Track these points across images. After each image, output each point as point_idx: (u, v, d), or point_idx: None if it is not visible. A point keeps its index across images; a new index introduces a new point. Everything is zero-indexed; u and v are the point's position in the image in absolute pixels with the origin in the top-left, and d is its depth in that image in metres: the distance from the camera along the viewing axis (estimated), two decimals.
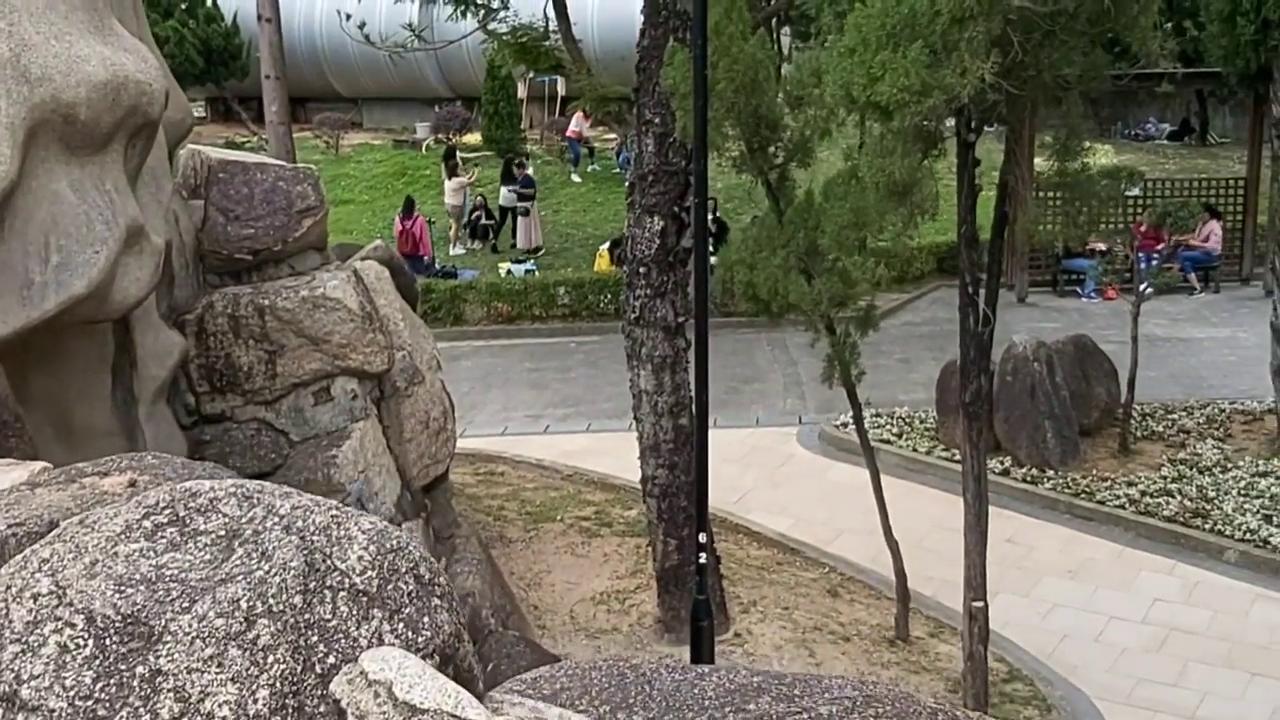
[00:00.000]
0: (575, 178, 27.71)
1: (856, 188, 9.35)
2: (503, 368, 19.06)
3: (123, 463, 4.01)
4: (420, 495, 10.92)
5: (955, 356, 10.62)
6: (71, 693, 2.91)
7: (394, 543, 3.17)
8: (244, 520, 3.23)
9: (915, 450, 15.24)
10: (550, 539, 12.95)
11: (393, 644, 3.06)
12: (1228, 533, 13.18)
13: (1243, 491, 13.95)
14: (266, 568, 3.08)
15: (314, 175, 10.53)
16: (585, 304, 20.78)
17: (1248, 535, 13.09)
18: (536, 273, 22.31)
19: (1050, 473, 14.54)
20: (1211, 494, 13.90)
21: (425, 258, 22.52)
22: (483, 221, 24.59)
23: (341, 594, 3.08)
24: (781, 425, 16.52)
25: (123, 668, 2.93)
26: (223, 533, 3.22)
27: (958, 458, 10.76)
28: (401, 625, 3.09)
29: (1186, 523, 13.43)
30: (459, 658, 3.17)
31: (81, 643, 2.97)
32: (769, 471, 15.07)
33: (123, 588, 3.06)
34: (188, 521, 3.26)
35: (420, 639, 3.09)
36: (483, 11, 13.50)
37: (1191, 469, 14.56)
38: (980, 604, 9.90)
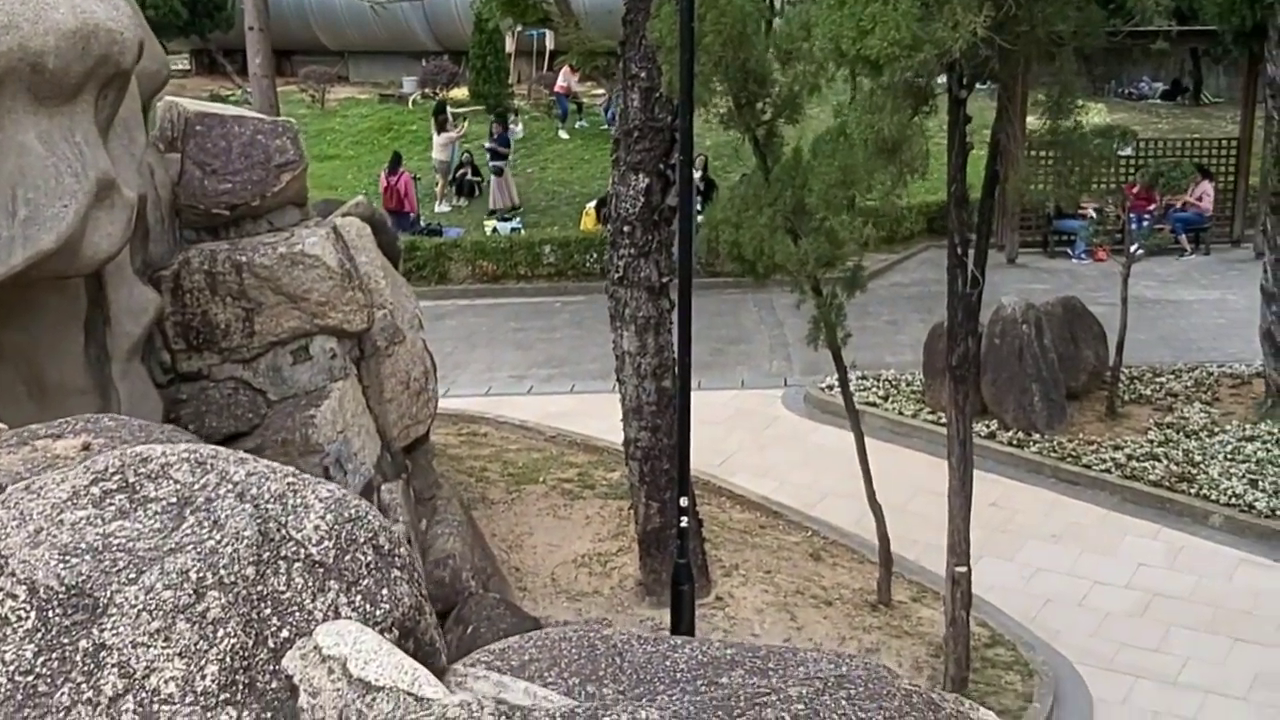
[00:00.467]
0: (563, 134, 27.43)
1: (845, 145, 9.19)
2: (487, 327, 18.91)
3: (78, 425, 3.87)
4: (401, 456, 10.80)
5: (944, 318, 10.50)
6: (11, 667, 2.78)
7: (352, 512, 3.05)
8: (196, 487, 3.10)
9: (901, 413, 15.15)
10: (532, 501, 12.86)
11: (350, 617, 2.93)
12: (1213, 497, 13.14)
13: (1229, 456, 13.89)
14: (218, 537, 2.95)
15: (293, 129, 10.32)
16: (571, 263, 20.61)
17: (1233, 500, 13.05)
18: (522, 231, 22.11)
19: (1036, 436, 14.47)
20: (1198, 458, 13.85)
21: (410, 214, 22.30)
22: (469, 178, 24.35)
23: (296, 565, 2.95)
24: (767, 388, 16.42)
25: (65, 641, 2.81)
26: (173, 500, 3.09)
27: (944, 421, 10.67)
28: (359, 598, 2.96)
29: (1172, 487, 13.39)
30: (420, 631, 3.05)
31: (23, 615, 2.84)
32: (753, 434, 14.98)
33: (67, 557, 2.93)
34: (138, 488, 3.12)
35: (379, 612, 2.96)
36: None
37: (1178, 433, 14.50)
38: (963, 569, 9.84)
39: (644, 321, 11.00)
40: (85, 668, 2.77)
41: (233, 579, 2.88)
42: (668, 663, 3.58)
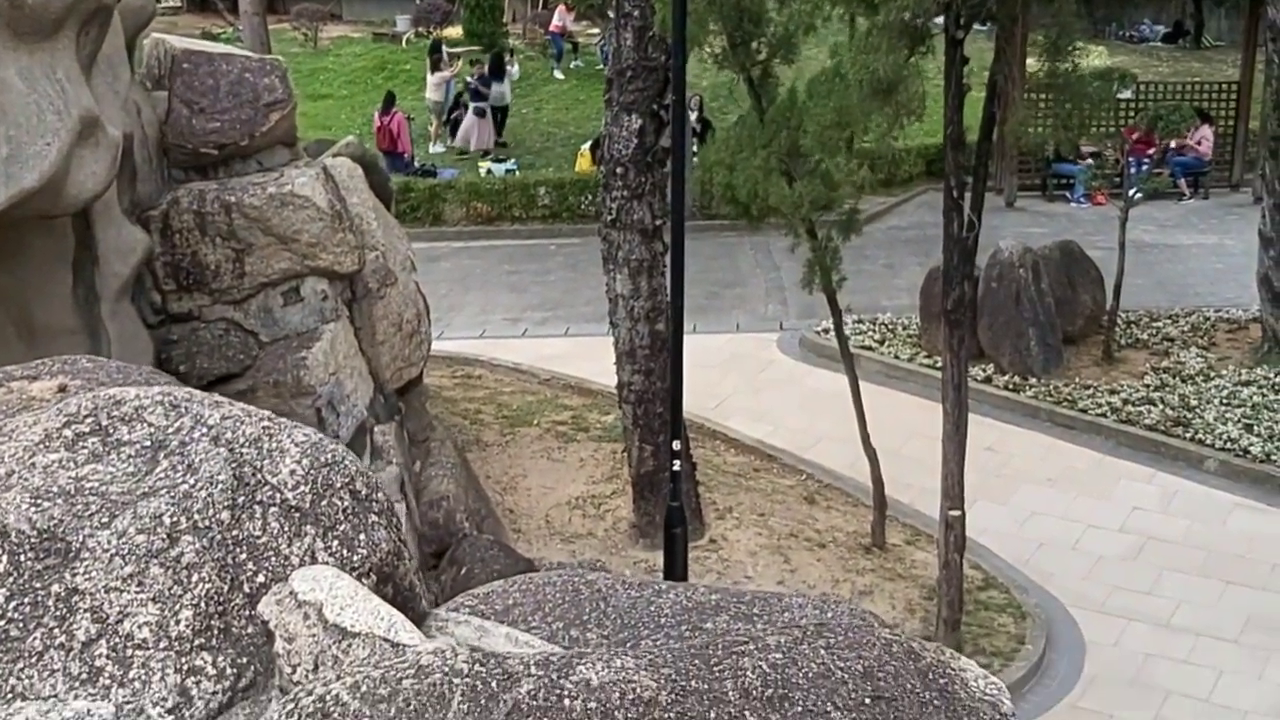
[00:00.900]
0: (558, 74, 27.13)
1: (841, 86, 9.06)
2: (481, 269, 18.80)
3: (54, 366, 3.81)
4: (394, 398, 10.76)
5: (941, 262, 10.41)
6: None
7: (329, 456, 2.99)
8: (170, 430, 3.05)
9: (897, 357, 15.10)
10: (526, 443, 12.83)
11: (326, 562, 2.89)
12: (1208, 442, 13.13)
13: (1225, 400, 13.87)
14: (192, 481, 2.90)
15: (281, 67, 10.17)
16: (566, 205, 20.44)
17: (1228, 444, 13.04)
18: (517, 172, 21.91)
19: (1032, 380, 14.43)
20: (1194, 403, 13.83)
21: (404, 155, 22.08)
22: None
23: (272, 509, 2.90)
24: (762, 331, 16.35)
25: (37, 586, 2.77)
26: (147, 443, 3.03)
27: (940, 365, 10.62)
28: (336, 543, 2.92)
29: (1168, 431, 13.37)
30: (398, 576, 3.01)
31: None
32: (748, 378, 14.94)
33: (39, 501, 2.88)
34: (111, 431, 3.07)
35: (355, 557, 2.92)
36: None
37: (1174, 377, 14.47)
38: (957, 513, 9.84)
39: (637, 264, 10.92)
40: (58, 613, 2.73)
41: (207, 523, 2.83)
42: (652, 608, 3.54)
